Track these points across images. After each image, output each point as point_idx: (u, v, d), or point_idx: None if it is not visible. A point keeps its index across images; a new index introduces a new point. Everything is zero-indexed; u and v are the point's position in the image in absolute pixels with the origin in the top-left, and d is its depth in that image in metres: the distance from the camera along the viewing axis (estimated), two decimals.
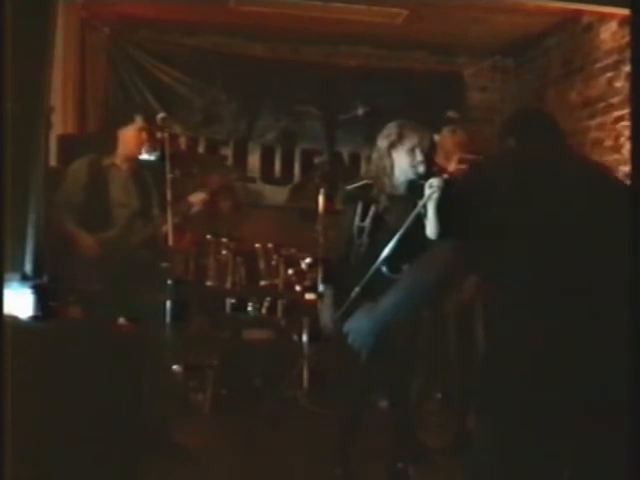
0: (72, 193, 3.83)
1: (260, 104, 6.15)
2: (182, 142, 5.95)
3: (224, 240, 4.95)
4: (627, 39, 4.60)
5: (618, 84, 4.89)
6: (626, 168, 4.35)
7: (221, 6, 5.39)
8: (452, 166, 3.61)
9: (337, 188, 4.72)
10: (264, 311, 4.93)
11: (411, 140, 3.19)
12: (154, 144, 3.95)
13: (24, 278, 2.99)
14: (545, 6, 4.99)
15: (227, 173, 5.22)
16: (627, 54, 4.59)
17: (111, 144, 3.91)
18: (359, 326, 2.19)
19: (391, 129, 3.25)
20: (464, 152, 3.69)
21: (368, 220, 3.17)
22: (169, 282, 3.59)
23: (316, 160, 6.02)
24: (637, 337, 1.84)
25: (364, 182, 3.27)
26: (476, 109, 6.40)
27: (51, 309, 3.00)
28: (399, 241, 2.30)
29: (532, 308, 1.92)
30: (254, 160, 6.18)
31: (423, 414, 4.01)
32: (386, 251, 2.36)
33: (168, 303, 3.56)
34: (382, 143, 3.25)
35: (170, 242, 3.62)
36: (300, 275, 4.98)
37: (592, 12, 4.96)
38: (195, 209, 3.96)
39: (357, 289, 2.47)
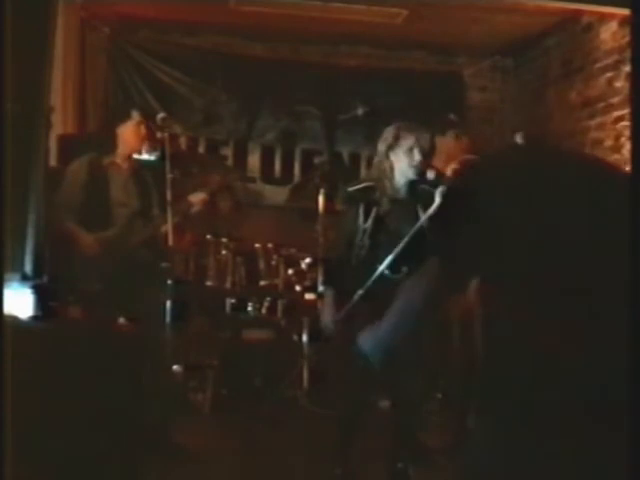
0: (72, 192, 3.84)
1: (260, 104, 6.14)
2: (182, 142, 5.95)
3: (224, 240, 4.95)
4: (627, 39, 4.60)
5: (618, 84, 4.89)
6: (626, 168, 4.34)
7: (221, 6, 5.39)
8: (453, 168, 3.61)
9: (337, 188, 4.74)
10: (264, 311, 4.94)
11: (408, 140, 3.20)
12: (154, 144, 3.95)
13: (24, 278, 2.99)
14: (545, 6, 4.99)
15: (227, 173, 5.23)
16: (627, 54, 4.59)
17: (111, 143, 3.92)
18: (364, 349, 2.31)
19: (388, 132, 3.28)
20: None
21: (369, 222, 3.18)
22: (169, 282, 3.60)
23: (316, 160, 6.03)
24: (637, 337, 1.84)
25: (366, 184, 3.28)
26: (476, 109, 6.40)
27: (51, 309, 3.00)
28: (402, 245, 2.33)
29: (532, 308, 1.92)
30: (254, 160, 6.17)
31: (423, 414, 4.01)
32: (391, 257, 2.38)
33: (168, 303, 3.57)
34: (381, 147, 3.28)
35: (170, 242, 3.63)
36: (300, 275, 4.98)
37: (592, 12, 4.96)
38: (195, 209, 3.96)
39: (360, 292, 2.49)
